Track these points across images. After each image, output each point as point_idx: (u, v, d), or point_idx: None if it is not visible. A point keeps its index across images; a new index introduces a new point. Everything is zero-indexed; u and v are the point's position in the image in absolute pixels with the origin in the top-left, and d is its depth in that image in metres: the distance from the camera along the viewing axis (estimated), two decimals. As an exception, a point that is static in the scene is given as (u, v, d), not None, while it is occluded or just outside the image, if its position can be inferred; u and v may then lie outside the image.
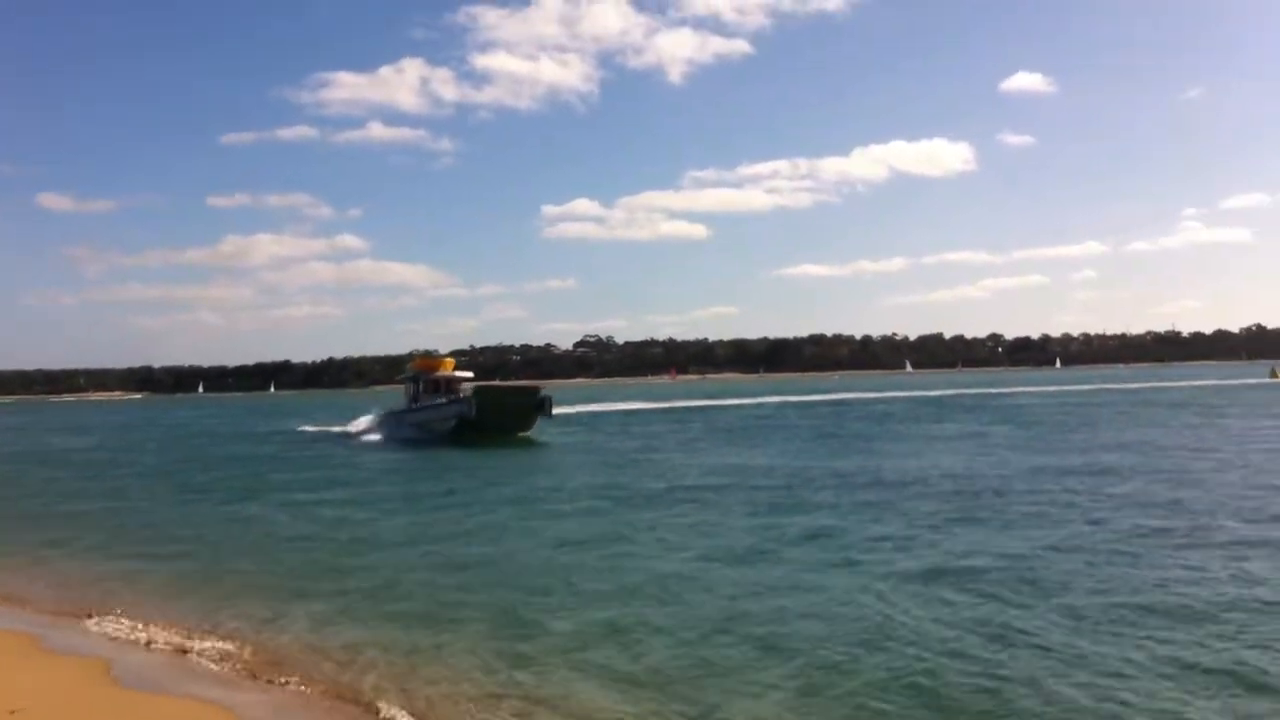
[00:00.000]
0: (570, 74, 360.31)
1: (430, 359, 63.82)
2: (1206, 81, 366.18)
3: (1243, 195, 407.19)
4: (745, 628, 13.31)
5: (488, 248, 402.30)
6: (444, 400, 53.51)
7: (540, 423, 53.59)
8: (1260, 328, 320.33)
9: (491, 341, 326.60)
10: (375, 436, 57.74)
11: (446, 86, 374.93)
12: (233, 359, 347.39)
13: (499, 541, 21.05)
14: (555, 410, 55.05)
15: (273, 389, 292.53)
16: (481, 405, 50.51)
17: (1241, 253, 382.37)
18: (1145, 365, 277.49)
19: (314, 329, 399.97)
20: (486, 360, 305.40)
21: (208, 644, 13.76)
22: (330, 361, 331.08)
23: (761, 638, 12.79)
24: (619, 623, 13.76)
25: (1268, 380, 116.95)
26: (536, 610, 14.63)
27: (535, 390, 54.57)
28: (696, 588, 15.70)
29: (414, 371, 59.83)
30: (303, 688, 11.85)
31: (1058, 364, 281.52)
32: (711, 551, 18.74)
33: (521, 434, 51.96)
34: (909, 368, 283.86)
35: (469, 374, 59.21)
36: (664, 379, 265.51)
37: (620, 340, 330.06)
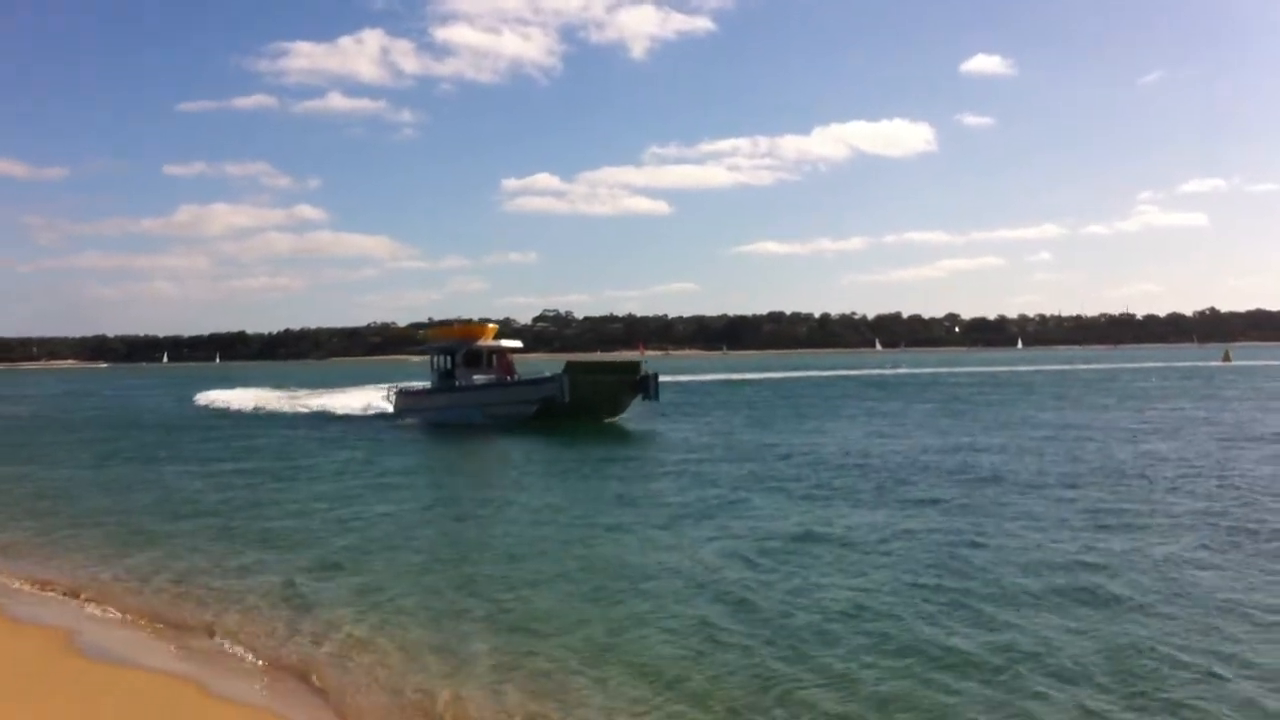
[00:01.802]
0: (532, 47, 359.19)
1: (469, 326, 49.69)
2: (1165, 66, 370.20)
3: (1200, 180, 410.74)
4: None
5: (448, 220, 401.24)
6: (510, 378, 44.96)
7: (636, 406, 43.27)
8: (1214, 311, 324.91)
9: (451, 314, 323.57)
10: (410, 419, 46.51)
11: (407, 58, 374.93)
12: (189, 329, 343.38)
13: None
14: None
15: (217, 360, 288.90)
16: (575, 385, 40.97)
17: (1197, 237, 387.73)
18: (1100, 347, 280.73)
19: (272, 300, 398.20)
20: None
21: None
22: (288, 333, 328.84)
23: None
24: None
25: (1219, 363, 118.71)
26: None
27: (635, 366, 43.07)
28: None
29: (448, 341, 48.63)
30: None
31: (1019, 345, 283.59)
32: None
33: (609, 419, 42.29)
34: (878, 346, 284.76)
35: (517, 343, 49.41)
36: (632, 355, 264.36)
37: (580, 315, 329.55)
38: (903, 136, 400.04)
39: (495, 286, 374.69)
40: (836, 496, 21.86)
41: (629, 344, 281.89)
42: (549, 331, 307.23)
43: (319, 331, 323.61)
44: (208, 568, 16.16)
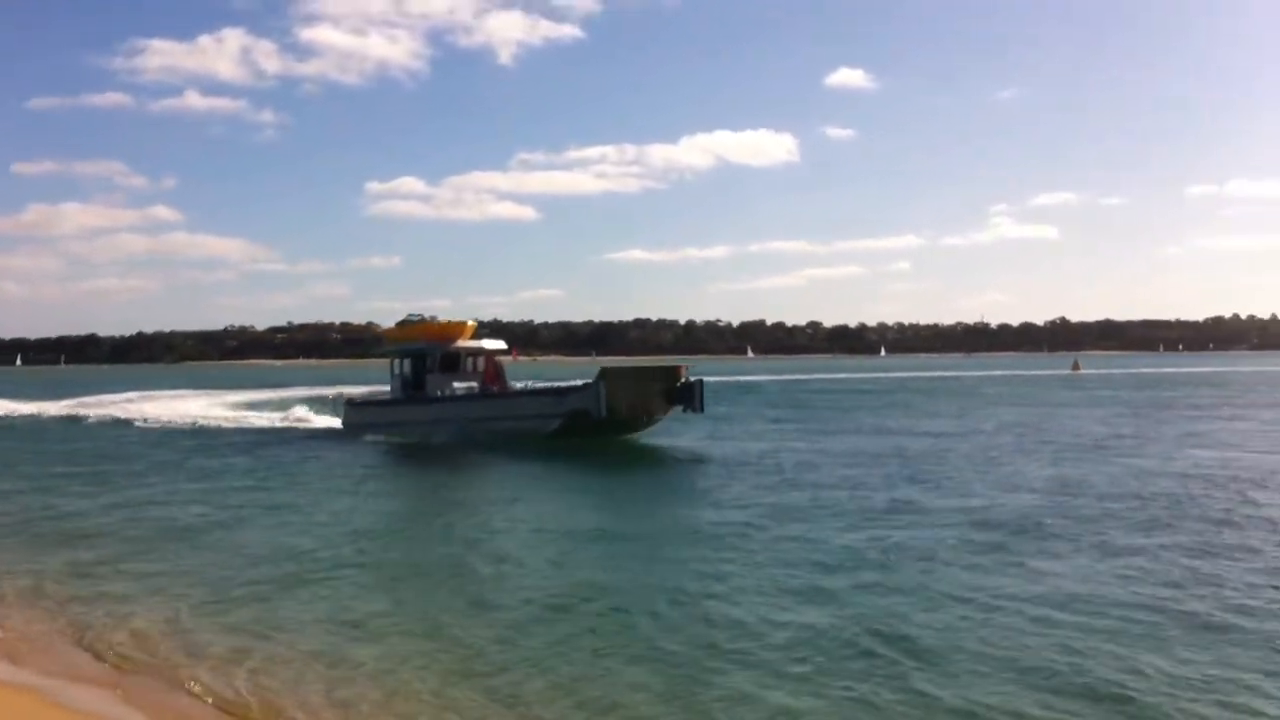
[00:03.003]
0: (399, 50, 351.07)
1: (445, 324, 40.98)
2: (1019, 84, 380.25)
3: (1051, 194, 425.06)
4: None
5: (310, 223, 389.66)
6: (497, 387, 38.41)
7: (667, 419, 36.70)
8: (1064, 321, 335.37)
9: (311, 319, 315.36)
10: (371, 436, 38.83)
11: (269, 58, 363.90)
12: (36, 331, 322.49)
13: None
14: None
15: (62, 363, 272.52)
16: (613, 396, 34.07)
17: (1048, 249, 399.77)
18: (955, 355, 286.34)
19: (125, 302, 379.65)
20: (306, 338, 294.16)
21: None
22: (140, 335, 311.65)
23: None
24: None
25: (1068, 372, 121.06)
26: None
27: (674, 372, 36.04)
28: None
29: (417, 342, 40.59)
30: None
31: (882, 352, 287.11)
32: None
33: (631, 434, 35.84)
34: (750, 354, 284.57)
35: (500, 343, 41.73)
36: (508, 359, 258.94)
37: (444, 320, 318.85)
38: (767, 147, 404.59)
39: (357, 290, 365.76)
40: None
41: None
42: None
43: (173, 334, 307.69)
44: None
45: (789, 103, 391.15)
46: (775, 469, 27.63)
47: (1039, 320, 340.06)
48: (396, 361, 41.80)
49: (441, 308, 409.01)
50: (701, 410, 35.19)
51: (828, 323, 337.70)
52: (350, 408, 43.58)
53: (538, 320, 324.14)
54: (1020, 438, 36.28)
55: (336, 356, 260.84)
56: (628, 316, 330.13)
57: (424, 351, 40.17)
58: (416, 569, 16.01)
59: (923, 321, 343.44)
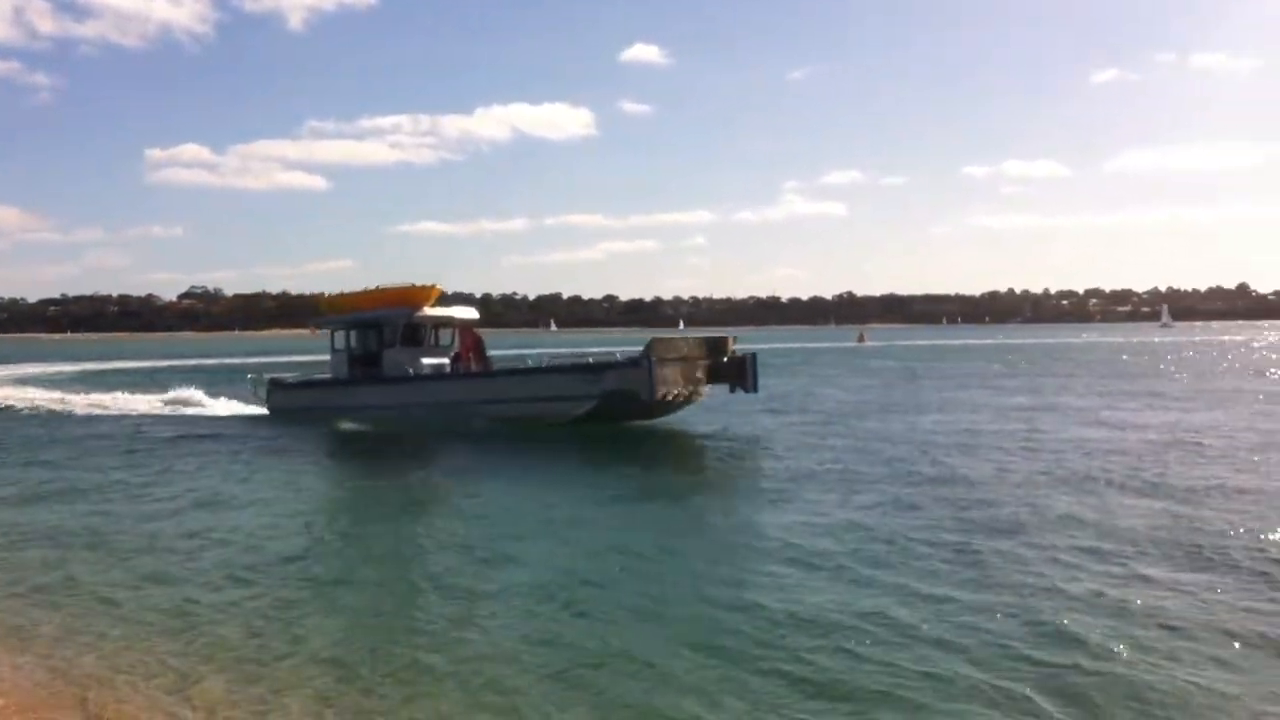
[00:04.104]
0: (183, 13, 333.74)
1: (406, 289, 33.94)
2: (810, 63, 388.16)
3: (839, 172, 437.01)
4: None
5: (86, 191, 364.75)
6: (474, 364, 32.67)
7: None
8: (851, 295, 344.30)
9: (87, 290, 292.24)
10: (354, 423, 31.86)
11: (44, 18, 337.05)
12: None
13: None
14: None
15: None
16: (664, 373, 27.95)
17: (837, 225, 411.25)
18: (748, 328, 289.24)
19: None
20: (81, 310, 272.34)
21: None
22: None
23: None
24: None
25: (853, 344, 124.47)
26: None
27: (722, 344, 30.21)
28: None
29: (371, 310, 34.12)
30: None
31: (680, 326, 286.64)
32: None
33: (655, 419, 29.65)
34: (553, 326, 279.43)
35: (472, 311, 35.65)
36: (304, 331, 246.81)
37: (229, 293, 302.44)
38: (564, 120, 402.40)
39: (137, 261, 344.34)
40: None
41: (283, 323, 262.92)
42: (196, 309, 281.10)
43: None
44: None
45: (586, 77, 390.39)
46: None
47: (828, 294, 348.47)
48: (340, 334, 35.11)
49: (226, 279, 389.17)
50: (755, 389, 29.79)
51: (624, 296, 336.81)
52: (279, 390, 36.43)
53: (328, 292, 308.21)
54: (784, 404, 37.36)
55: (114, 330, 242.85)
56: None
57: (380, 321, 33.79)
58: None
59: (717, 295, 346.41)
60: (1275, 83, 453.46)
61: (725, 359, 29.71)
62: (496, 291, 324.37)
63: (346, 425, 31.46)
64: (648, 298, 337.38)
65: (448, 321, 34.43)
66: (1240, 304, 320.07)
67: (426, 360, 33.04)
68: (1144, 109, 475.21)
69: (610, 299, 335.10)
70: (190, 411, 38.22)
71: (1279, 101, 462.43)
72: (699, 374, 29.15)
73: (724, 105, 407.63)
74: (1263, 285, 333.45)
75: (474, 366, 32.72)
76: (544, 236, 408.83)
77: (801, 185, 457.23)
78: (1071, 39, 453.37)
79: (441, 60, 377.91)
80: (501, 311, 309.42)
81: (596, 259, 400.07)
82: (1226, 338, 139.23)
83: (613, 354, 30.26)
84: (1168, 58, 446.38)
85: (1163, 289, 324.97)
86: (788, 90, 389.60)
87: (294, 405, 35.10)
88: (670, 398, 28.35)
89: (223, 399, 40.31)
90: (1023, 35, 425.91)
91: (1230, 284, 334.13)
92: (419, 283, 33.97)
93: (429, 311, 33.61)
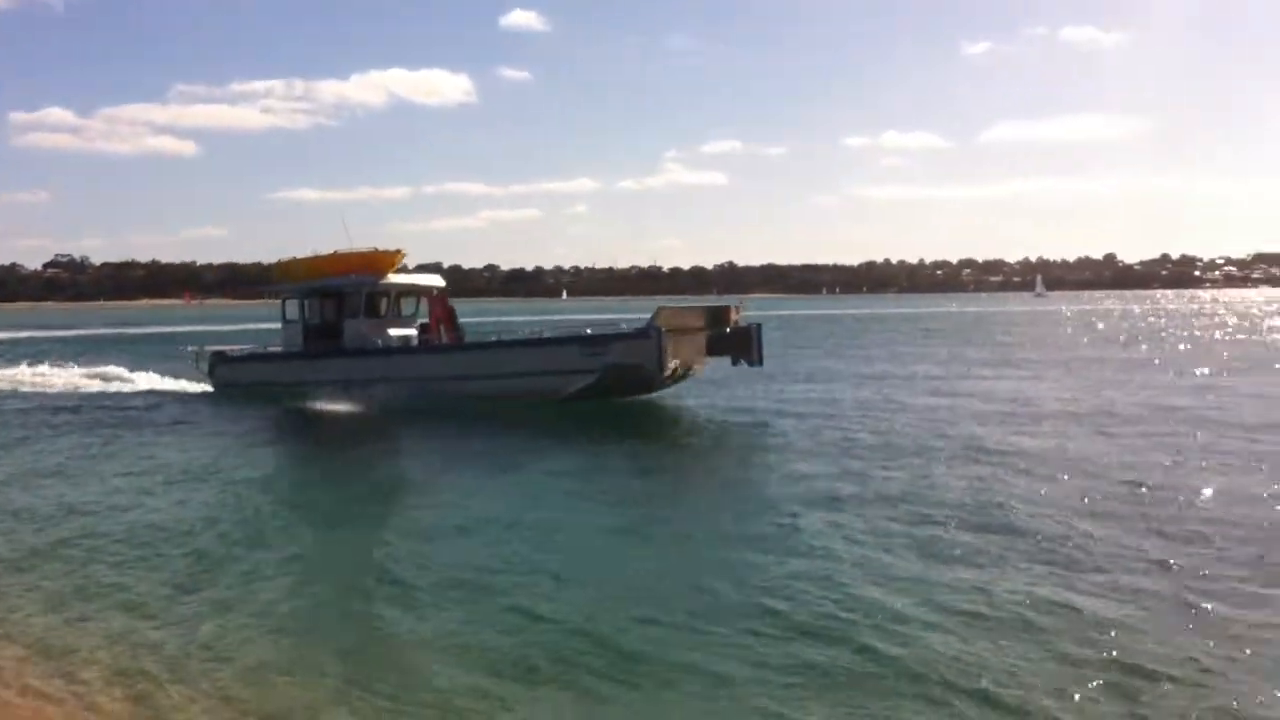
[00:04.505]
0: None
1: (366, 254, 31.22)
2: (689, 31, 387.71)
3: (719, 142, 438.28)
4: None
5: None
6: (442, 335, 30.66)
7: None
8: (732, 265, 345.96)
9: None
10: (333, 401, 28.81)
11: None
12: None
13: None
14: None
15: None
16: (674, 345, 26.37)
17: (718, 195, 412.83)
18: (629, 297, 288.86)
19: None
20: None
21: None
22: None
23: None
24: None
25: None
26: None
27: (724, 314, 28.77)
28: None
29: (328, 280, 31.29)
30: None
31: (564, 295, 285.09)
32: None
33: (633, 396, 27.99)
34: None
35: (438, 279, 33.19)
36: (178, 302, 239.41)
37: (97, 261, 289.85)
38: (442, 86, 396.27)
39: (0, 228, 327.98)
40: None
41: (154, 292, 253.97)
42: (62, 278, 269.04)
43: None
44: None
45: (464, 42, 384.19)
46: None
47: (709, 264, 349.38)
48: (294, 304, 32.58)
49: (93, 247, 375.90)
50: (760, 363, 28.28)
51: (505, 265, 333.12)
52: (225, 364, 33.97)
53: (200, 261, 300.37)
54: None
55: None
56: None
57: (340, 289, 31.30)
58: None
59: (599, 265, 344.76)
60: (1141, 57, 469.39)
61: (727, 330, 28.34)
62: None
63: (318, 405, 29.04)
64: (529, 267, 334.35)
65: (413, 290, 32.34)
66: (1107, 274, 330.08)
67: (393, 331, 31.08)
68: (1016, 82, 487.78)
69: (491, 268, 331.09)
70: (117, 388, 35.59)
71: (1145, 75, 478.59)
72: (698, 346, 27.82)
73: (604, 73, 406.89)
74: (1129, 255, 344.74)
75: (444, 338, 30.93)
76: (425, 204, 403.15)
77: (682, 154, 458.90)
78: (946, 10, 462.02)
79: (316, 24, 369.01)
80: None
81: (479, 227, 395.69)
82: (1098, 306, 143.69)
83: (617, 324, 28.72)
84: (1039, 31, 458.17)
85: (1033, 259, 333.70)
86: (668, 58, 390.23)
87: (242, 380, 32.87)
88: (675, 371, 27.00)
89: (149, 373, 37.69)
90: (900, 5, 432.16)
91: (1098, 254, 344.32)
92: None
93: (394, 279, 31.47)
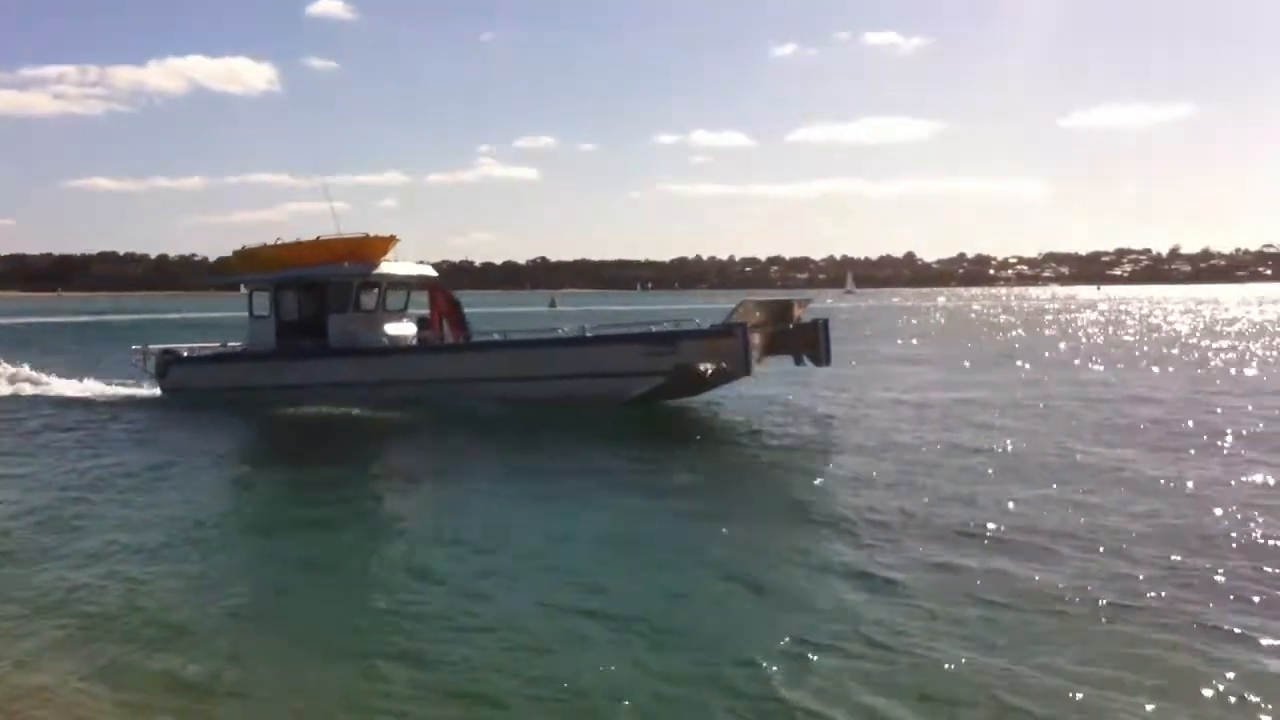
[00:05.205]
0: None
1: (354, 239, 28.05)
2: (501, 26, 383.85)
3: (533, 137, 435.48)
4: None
5: None
6: (444, 334, 27.96)
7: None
8: (544, 260, 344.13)
9: None
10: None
11: None
12: None
13: None
14: None
15: None
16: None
17: (530, 190, 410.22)
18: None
19: None
20: None
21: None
22: None
23: None
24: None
25: (546, 309, 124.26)
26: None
27: (787, 310, 26.52)
28: None
29: (308, 269, 27.90)
30: None
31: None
32: None
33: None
34: (242, 289, 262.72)
35: (429, 268, 30.21)
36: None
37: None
38: (245, 74, 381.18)
39: None
40: None
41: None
42: None
43: None
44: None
45: (269, 30, 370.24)
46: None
47: (522, 259, 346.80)
48: (262, 296, 28.92)
49: None
50: (828, 363, 25.99)
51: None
52: (178, 366, 29.76)
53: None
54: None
55: None
56: (92, 249, 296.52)
57: (325, 280, 27.76)
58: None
59: (412, 259, 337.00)
60: (939, 62, 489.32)
61: (790, 326, 26.14)
62: (174, 252, 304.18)
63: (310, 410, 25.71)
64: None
65: (405, 281, 29.16)
66: (906, 272, 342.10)
67: (393, 328, 28.11)
68: (822, 84, 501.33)
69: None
70: (35, 391, 31.21)
71: (943, 80, 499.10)
72: (758, 344, 25.24)
73: (414, 65, 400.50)
74: (927, 254, 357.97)
75: (448, 335, 28.07)
76: (225, 196, 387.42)
77: (495, 149, 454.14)
78: (755, 12, 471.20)
79: (111, 9, 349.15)
80: (179, 273, 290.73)
81: (283, 221, 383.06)
82: (909, 303, 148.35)
83: (691, 322, 26.30)
84: (843, 35, 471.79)
85: (838, 257, 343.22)
86: (480, 52, 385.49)
87: (199, 384, 28.91)
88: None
89: (56, 377, 33.00)
90: (710, 6, 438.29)
91: (898, 253, 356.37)
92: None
93: (387, 269, 28.26)
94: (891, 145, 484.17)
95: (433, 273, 30.07)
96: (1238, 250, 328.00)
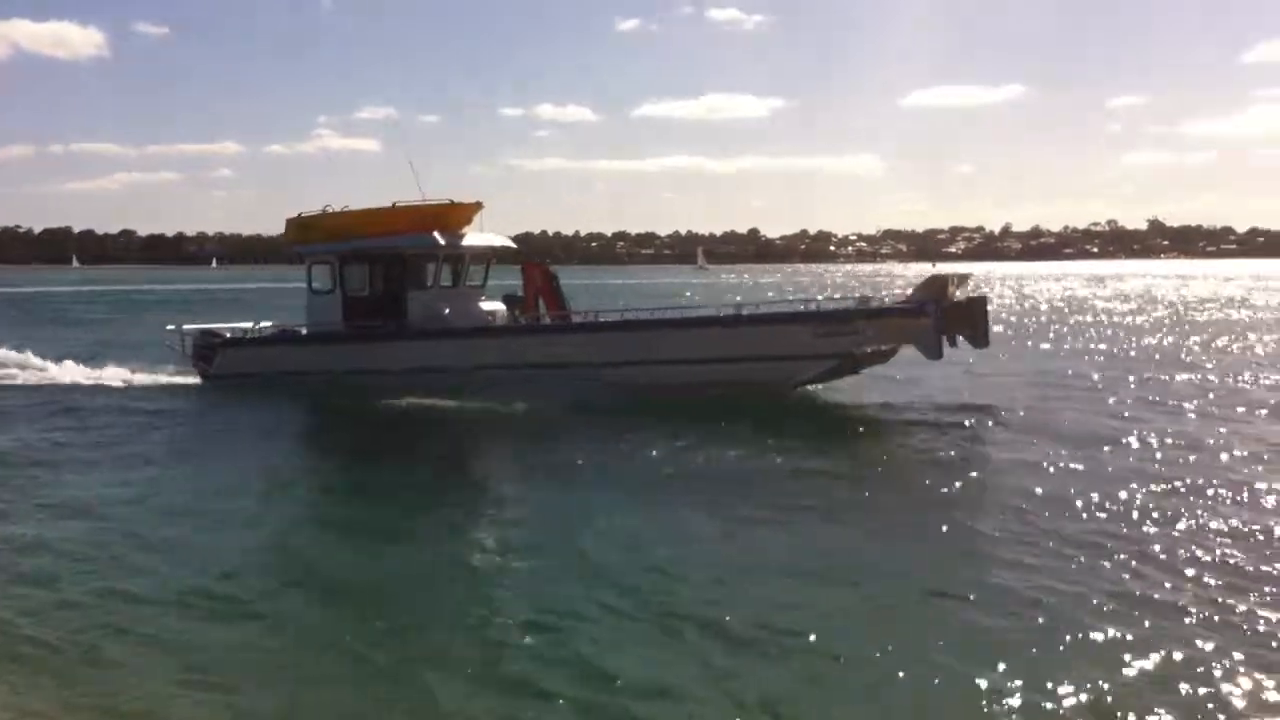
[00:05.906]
0: None
1: (438, 206, 25.64)
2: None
3: (372, 109, 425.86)
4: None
5: None
6: (542, 312, 25.76)
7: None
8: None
9: None
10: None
11: None
12: None
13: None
14: None
15: None
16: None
17: (371, 162, 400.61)
18: (282, 267, 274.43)
19: None
20: None
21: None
22: None
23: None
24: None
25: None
26: None
27: (943, 284, 22.75)
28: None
29: (384, 239, 25.22)
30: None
31: (214, 264, 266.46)
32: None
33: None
34: (75, 263, 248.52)
35: (507, 240, 27.78)
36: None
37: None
38: (71, 39, 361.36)
39: None
40: None
41: None
42: None
43: None
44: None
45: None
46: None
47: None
48: (324, 269, 26.21)
49: None
50: (987, 343, 23.21)
51: (143, 231, 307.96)
52: (229, 349, 26.77)
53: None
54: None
55: None
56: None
57: (403, 251, 25.20)
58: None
59: (249, 233, 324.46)
60: (780, 39, 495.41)
61: (950, 303, 22.74)
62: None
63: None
64: (170, 233, 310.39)
65: (486, 254, 26.74)
66: (751, 248, 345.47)
67: (488, 305, 26.11)
68: (666, 59, 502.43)
69: (127, 234, 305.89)
70: (30, 379, 27.80)
71: (783, 57, 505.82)
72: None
73: (251, 33, 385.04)
74: (771, 230, 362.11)
75: (546, 315, 25.87)
76: (51, 165, 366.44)
77: (334, 120, 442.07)
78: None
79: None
80: (2, 246, 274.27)
81: (113, 190, 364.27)
82: (764, 279, 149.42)
83: (868, 299, 24.45)
84: (687, 10, 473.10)
85: (683, 233, 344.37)
86: (319, 21, 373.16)
87: (257, 369, 26.13)
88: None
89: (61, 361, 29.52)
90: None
91: (743, 229, 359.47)
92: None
93: (472, 240, 25.87)
94: (735, 121, 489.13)
95: (513, 245, 27.73)
96: (1066, 228, 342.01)
